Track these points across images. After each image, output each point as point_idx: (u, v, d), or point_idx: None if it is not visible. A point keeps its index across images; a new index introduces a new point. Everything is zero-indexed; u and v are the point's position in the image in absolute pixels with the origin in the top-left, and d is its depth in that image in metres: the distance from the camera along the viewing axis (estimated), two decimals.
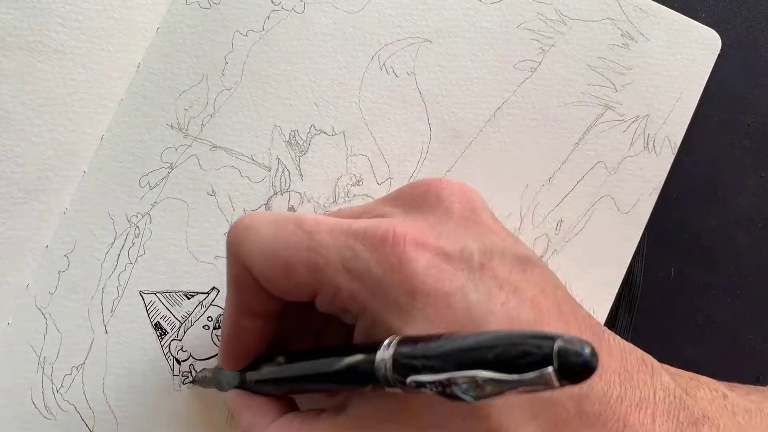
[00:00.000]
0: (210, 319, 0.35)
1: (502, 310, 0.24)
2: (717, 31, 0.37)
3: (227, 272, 0.29)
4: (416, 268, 0.24)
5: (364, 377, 0.24)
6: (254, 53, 0.36)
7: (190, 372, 0.35)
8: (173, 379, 0.35)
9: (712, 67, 0.37)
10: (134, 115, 0.35)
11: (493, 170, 0.36)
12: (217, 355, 0.35)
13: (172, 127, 0.35)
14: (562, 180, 0.36)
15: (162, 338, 0.35)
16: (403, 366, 0.22)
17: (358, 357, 0.24)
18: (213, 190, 0.35)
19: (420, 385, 0.21)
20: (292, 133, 0.36)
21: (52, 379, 0.34)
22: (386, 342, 0.23)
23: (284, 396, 0.30)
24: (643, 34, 0.37)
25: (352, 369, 0.24)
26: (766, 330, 0.36)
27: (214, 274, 0.35)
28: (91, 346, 0.34)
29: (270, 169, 0.36)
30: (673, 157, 0.37)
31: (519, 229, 0.36)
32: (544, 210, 0.36)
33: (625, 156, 0.36)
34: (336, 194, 0.36)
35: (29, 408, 0.34)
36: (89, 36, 0.34)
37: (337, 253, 0.25)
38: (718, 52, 0.37)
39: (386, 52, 0.36)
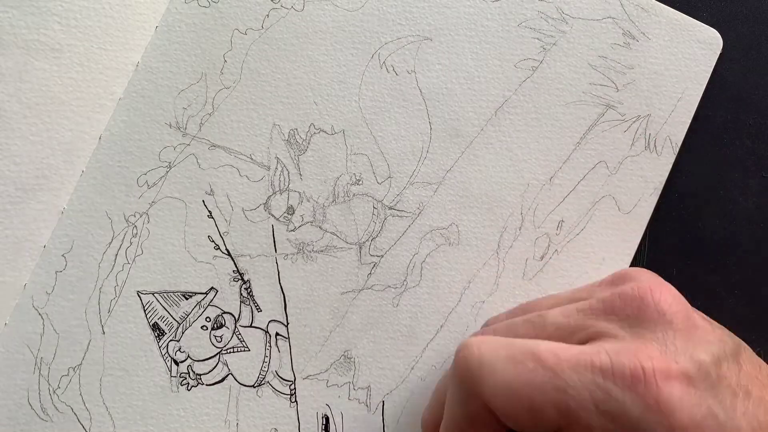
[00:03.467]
0: (208, 319, 0.35)
1: (746, 421, 0.24)
2: (718, 31, 0.37)
3: (456, 403, 0.28)
4: (672, 405, 0.24)
5: None
6: (253, 52, 0.35)
7: (188, 373, 0.34)
8: (171, 381, 0.34)
9: (713, 66, 0.37)
10: (132, 114, 0.35)
11: (494, 169, 0.36)
12: (214, 355, 0.35)
13: (170, 125, 0.35)
14: (563, 180, 0.36)
15: (160, 339, 0.35)
16: None
17: None
18: (211, 190, 0.35)
19: None
20: (292, 132, 0.36)
21: (48, 380, 0.34)
22: None
23: None
24: (644, 34, 0.36)
25: None
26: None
27: (213, 274, 0.35)
28: (88, 347, 0.34)
29: (269, 168, 0.35)
30: (675, 157, 0.36)
31: (520, 229, 0.36)
32: (545, 210, 0.36)
33: (627, 156, 0.36)
34: (335, 193, 0.35)
35: (26, 409, 0.34)
36: (87, 34, 0.34)
37: (588, 393, 0.25)
38: (719, 51, 0.37)
39: (386, 50, 0.36)
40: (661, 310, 0.27)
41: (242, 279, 0.35)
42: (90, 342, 0.34)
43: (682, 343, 0.26)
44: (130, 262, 0.35)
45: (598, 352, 0.26)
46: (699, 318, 0.27)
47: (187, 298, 0.35)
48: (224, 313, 0.35)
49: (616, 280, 0.30)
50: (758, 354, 0.29)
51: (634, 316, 0.27)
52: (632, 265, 0.36)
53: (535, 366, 0.26)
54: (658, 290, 0.27)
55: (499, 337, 0.29)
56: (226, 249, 0.35)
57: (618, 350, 0.26)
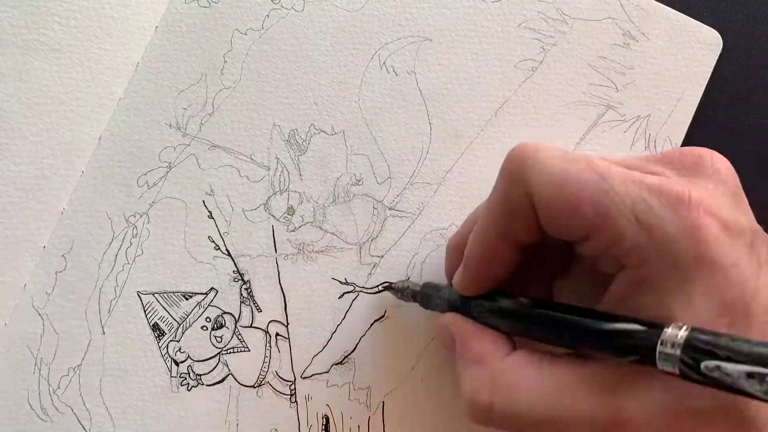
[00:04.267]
0: (208, 319, 0.35)
1: (765, 290, 0.25)
2: (718, 31, 0.37)
3: (499, 193, 0.28)
4: (707, 236, 0.24)
5: (632, 348, 0.25)
6: (253, 52, 0.35)
7: (188, 373, 0.34)
8: (171, 381, 0.34)
9: (713, 66, 0.37)
10: (133, 115, 0.35)
11: (494, 170, 0.36)
12: (215, 356, 0.35)
13: (170, 126, 0.35)
14: None
15: (160, 339, 0.35)
16: (700, 350, 0.23)
17: (635, 326, 0.25)
18: (211, 190, 0.35)
19: (709, 373, 0.22)
20: (292, 132, 0.36)
21: (48, 381, 0.34)
22: (677, 324, 0.24)
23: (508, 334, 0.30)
24: (644, 34, 0.36)
25: (621, 335, 0.25)
26: None
27: (213, 274, 0.35)
28: (88, 347, 0.34)
29: (269, 169, 0.35)
30: None
31: None
32: None
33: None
34: (336, 194, 0.35)
35: (25, 410, 0.34)
36: (87, 35, 0.34)
37: (630, 201, 0.25)
38: (719, 51, 0.37)
39: (386, 50, 0.36)
40: (717, 168, 0.27)
41: (242, 279, 0.35)
42: (90, 342, 0.34)
43: (728, 201, 0.26)
44: (130, 262, 0.35)
45: (650, 176, 0.26)
46: (746, 200, 0.28)
47: (187, 299, 0.35)
48: (224, 313, 0.35)
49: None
50: None
51: (690, 168, 0.27)
52: None
53: (585, 167, 0.26)
54: (717, 155, 0.28)
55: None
56: (227, 249, 0.35)
57: (669, 180, 0.26)
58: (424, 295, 0.33)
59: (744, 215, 0.26)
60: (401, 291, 0.34)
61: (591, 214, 0.26)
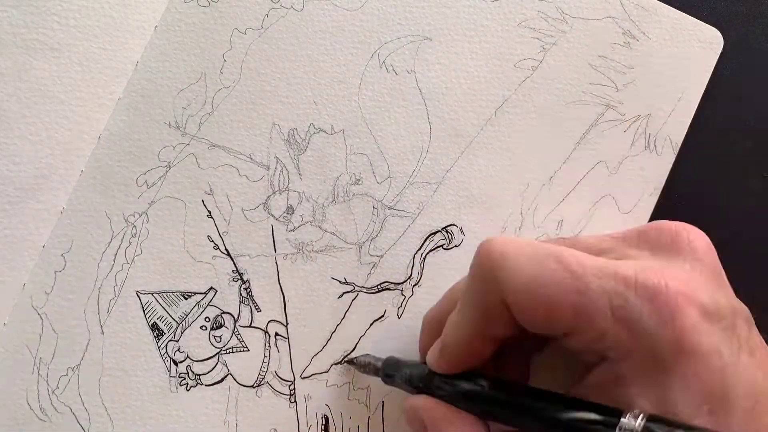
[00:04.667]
0: (207, 319, 0.35)
1: (745, 373, 0.25)
2: (719, 30, 0.37)
3: (473, 294, 0.28)
4: (686, 325, 0.25)
5: None
6: (253, 51, 0.35)
7: (187, 373, 0.34)
8: (170, 381, 0.34)
9: (714, 66, 0.37)
10: (132, 114, 0.35)
11: (493, 169, 0.36)
12: (214, 356, 0.35)
13: (170, 125, 0.35)
14: (562, 179, 0.36)
15: (159, 339, 0.35)
16: None
17: (592, 415, 0.25)
18: (211, 189, 0.35)
19: None
20: (291, 132, 0.35)
21: (47, 380, 0.34)
22: (634, 412, 0.24)
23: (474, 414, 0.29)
24: (644, 33, 0.36)
25: (577, 425, 0.25)
26: None
27: (212, 274, 0.35)
28: (87, 347, 0.34)
29: (268, 168, 0.35)
30: (675, 156, 0.36)
31: (520, 228, 0.36)
32: (545, 210, 0.36)
33: (626, 156, 0.36)
34: (335, 193, 0.35)
35: (24, 410, 0.34)
36: (86, 34, 0.34)
37: (606, 298, 0.25)
38: (720, 50, 0.37)
39: (386, 50, 0.36)
40: (693, 246, 0.27)
41: (242, 279, 0.35)
42: (89, 342, 0.34)
43: (706, 282, 0.26)
44: (130, 262, 0.35)
45: (624, 265, 0.26)
46: (724, 276, 0.28)
47: (186, 298, 0.35)
48: (223, 313, 0.35)
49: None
50: None
51: (666, 246, 0.27)
52: None
53: (557, 266, 0.26)
54: (695, 231, 0.28)
55: (524, 239, 0.28)
56: (226, 249, 0.35)
57: (644, 267, 0.26)
58: (386, 374, 0.32)
59: (723, 295, 0.26)
60: (363, 366, 0.34)
61: (569, 315, 0.26)
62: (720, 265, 0.27)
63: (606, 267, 0.26)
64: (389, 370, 0.32)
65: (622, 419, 0.24)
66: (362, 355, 0.34)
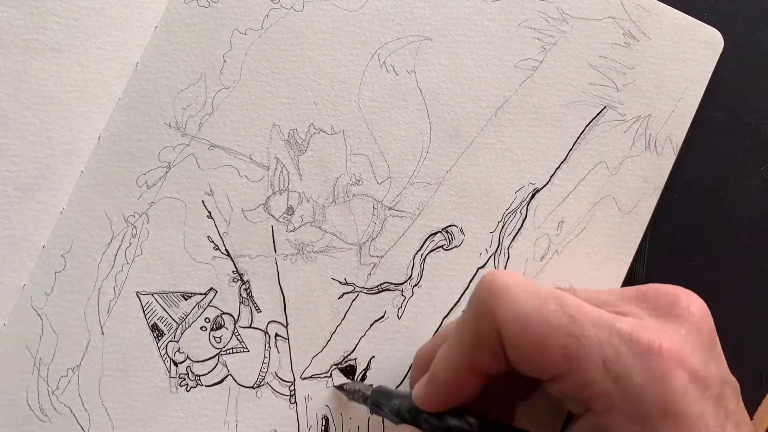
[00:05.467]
0: (207, 320, 0.35)
1: None
2: (719, 30, 0.37)
3: (468, 324, 0.28)
4: (675, 388, 0.25)
5: None
6: (253, 52, 0.35)
7: (187, 374, 0.34)
8: (170, 381, 0.34)
9: (714, 66, 0.37)
10: (132, 114, 0.35)
11: (494, 169, 0.36)
12: (214, 356, 0.35)
13: (170, 126, 0.35)
14: (563, 180, 0.36)
15: (159, 339, 0.34)
16: None
17: None
18: (211, 190, 0.35)
19: None
20: (291, 132, 0.35)
21: (47, 381, 0.34)
22: None
23: None
24: (645, 33, 0.36)
25: None
26: None
27: (212, 274, 0.35)
28: (87, 348, 0.34)
29: (268, 169, 0.35)
30: (675, 157, 0.36)
31: (520, 229, 0.36)
32: (546, 210, 0.36)
33: (627, 156, 0.36)
34: (335, 194, 0.35)
35: (24, 410, 0.34)
36: (87, 34, 0.34)
37: (599, 348, 0.25)
38: (720, 51, 0.37)
39: (386, 50, 0.36)
40: (691, 312, 0.27)
41: (242, 279, 0.35)
42: (89, 343, 0.34)
43: (700, 349, 0.26)
44: (130, 262, 0.35)
45: (622, 319, 0.26)
46: (718, 346, 0.28)
47: (186, 299, 0.35)
48: (223, 313, 0.35)
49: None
50: (761, 354, 0.29)
51: (664, 308, 0.27)
52: (633, 265, 0.36)
53: (556, 308, 0.26)
54: (693, 296, 0.28)
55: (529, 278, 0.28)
56: (226, 249, 0.35)
57: (641, 325, 0.26)
58: (374, 403, 0.32)
59: (715, 363, 0.26)
60: (352, 393, 0.33)
61: (560, 358, 0.26)
62: (715, 333, 0.27)
63: (603, 318, 0.26)
64: (377, 400, 0.32)
65: None
66: (351, 383, 0.34)
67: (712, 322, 0.27)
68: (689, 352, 0.26)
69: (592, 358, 0.25)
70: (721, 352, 0.27)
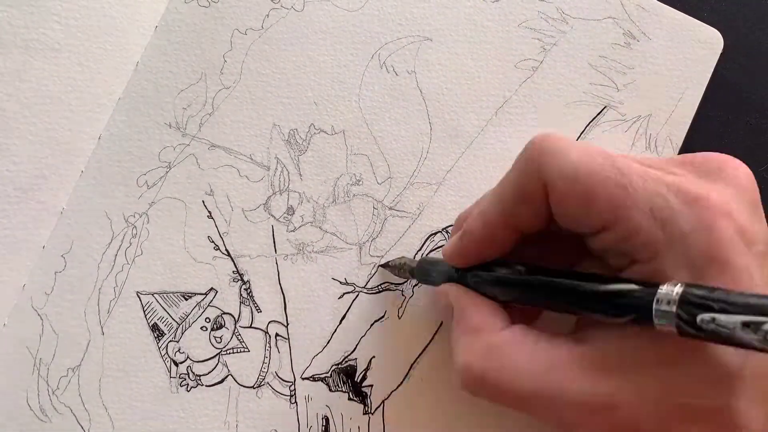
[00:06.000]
0: (208, 320, 0.35)
1: None
2: (719, 30, 0.37)
3: (512, 177, 0.28)
4: (722, 237, 0.24)
5: (629, 308, 0.25)
6: (253, 52, 0.35)
7: (188, 374, 0.34)
8: (170, 381, 0.34)
9: (714, 66, 0.37)
10: (132, 114, 0.35)
11: (494, 170, 0.36)
12: (214, 356, 0.35)
13: (170, 126, 0.35)
14: None
15: (159, 340, 0.34)
16: (695, 304, 0.23)
17: (631, 286, 0.25)
18: (211, 190, 0.35)
19: (705, 326, 0.22)
20: (292, 132, 0.35)
21: (47, 381, 0.34)
22: (672, 281, 0.24)
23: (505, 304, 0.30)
24: (645, 33, 0.36)
25: (617, 295, 0.25)
26: None
27: (212, 274, 0.35)
28: (87, 348, 0.34)
29: (269, 169, 0.35)
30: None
31: None
32: None
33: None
34: (335, 194, 0.35)
35: (24, 410, 0.34)
36: (87, 34, 0.34)
37: (647, 196, 0.25)
38: (720, 51, 0.37)
39: (386, 50, 0.36)
40: (737, 175, 0.27)
41: (242, 279, 0.35)
42: (89, 343, 0.34)
43: (746, 208, 0.26)
44: (130, 262, 0.35)
45: (669, 175, 0.26)
46: (763, 210, 0.28)
47: (186, 299, 0.35)
48: (224, 313, 0.35)
49: None
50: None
51: (711, 172, 0.27)
52: None
53: (604, 162, 0.26)
54: (741, 164, 0.28)
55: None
56: (226, 249, 0.35)
57: (689, 180, 0.26)
58: (420, 269, 0.33)
59: (760, 225, 0.26)
60: (398, 268, 0.34)
61: (607, 207, 0.26)
62: (760, 200, 0.27)
63: (651, 172, 0.26)
64: (424, 267, 0.32)
65: (661, 287, 0.24)
66: (396, 258, 0.34)
67: (757, 190, 0.27)
68: (735, 207, 0.25)
69: (640, 207, 0.25)
70: (765, 217, 0.27)
